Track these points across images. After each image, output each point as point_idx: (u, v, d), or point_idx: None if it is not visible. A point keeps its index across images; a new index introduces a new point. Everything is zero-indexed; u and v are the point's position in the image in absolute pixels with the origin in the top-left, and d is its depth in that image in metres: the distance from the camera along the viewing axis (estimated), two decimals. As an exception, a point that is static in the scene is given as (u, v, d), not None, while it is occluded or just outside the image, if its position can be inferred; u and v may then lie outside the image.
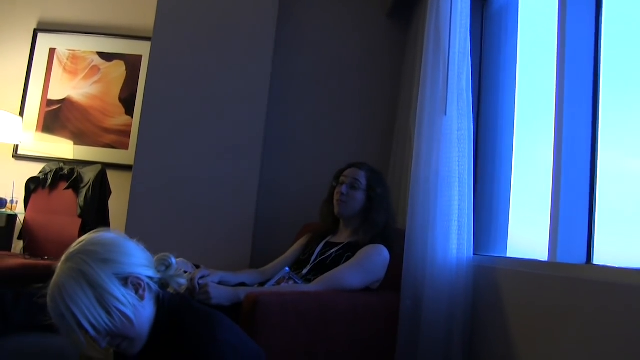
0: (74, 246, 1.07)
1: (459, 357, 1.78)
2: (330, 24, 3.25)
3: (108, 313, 1.00)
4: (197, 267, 1.88)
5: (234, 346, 1.07)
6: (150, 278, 1.09)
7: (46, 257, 2.92)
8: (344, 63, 3.21)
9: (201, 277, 1.75)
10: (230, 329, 1.12)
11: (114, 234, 1.12)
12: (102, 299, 1.00)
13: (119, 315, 1.01)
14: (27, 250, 3.08)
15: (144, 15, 3.54)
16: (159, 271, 1.13)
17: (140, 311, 1.05)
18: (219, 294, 1.68)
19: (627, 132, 1.47)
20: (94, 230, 1.11)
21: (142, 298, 1.06)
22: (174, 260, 1.15)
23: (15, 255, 3.04)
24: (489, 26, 2.49)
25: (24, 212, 3.22)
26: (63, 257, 1.06)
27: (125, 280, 1.04)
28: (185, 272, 1.68)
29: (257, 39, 2.94)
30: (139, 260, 1.09)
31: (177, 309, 1.11)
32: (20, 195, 3.27)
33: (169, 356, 1.06)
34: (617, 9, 1.54)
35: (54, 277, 1.03)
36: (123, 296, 1.02)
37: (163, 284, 1.15)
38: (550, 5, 1.69)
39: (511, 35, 2.26)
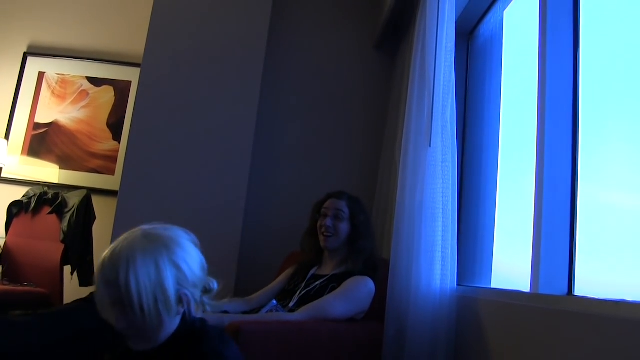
0: (154, 228, 1.10)
1: (442, 388, 1.77)
2: (319, 53, 3.31)
3: (155, 305, 1.03)
4: None
5: None
6: (194, 300, 1.12)
7: (26, 283, 2.86)
8: (331, 92, 3.26)
9: None
10: (237, 350, 1.15)
11: (190, 238, 1.14)
12: (158, 292, 1.03)
13: (157, 315, 1.03)
14: (6, 275, 3.01)
15: (134, 41, 3.57)
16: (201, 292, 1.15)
17: (168, 322, 1.08)
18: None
19: (606, 167, 1.51)
20: (168, 225, 1.13)
21: (178, 313, 1.09)
22: (216, 286, 1.17)
23: (-6, 281, 2.98)
24: (473, 59, 2.55)
25: (4, 236, 3.17)
26: (140, 230, 1.08)
27: (178, 292, 1.07)
28: None
29: (246, 68, 2.98)
30: (198, 280, 1.11)
31: (196, 331, 1.12)
32: (1, 219, 3.23)
33: None
34: (595, 41, 1.60)
35: (125, 242, 1.05)
36: (171, 303, 1.05)
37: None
38: (534, 40, 1.74)
39: (495, 68, 2.32)
